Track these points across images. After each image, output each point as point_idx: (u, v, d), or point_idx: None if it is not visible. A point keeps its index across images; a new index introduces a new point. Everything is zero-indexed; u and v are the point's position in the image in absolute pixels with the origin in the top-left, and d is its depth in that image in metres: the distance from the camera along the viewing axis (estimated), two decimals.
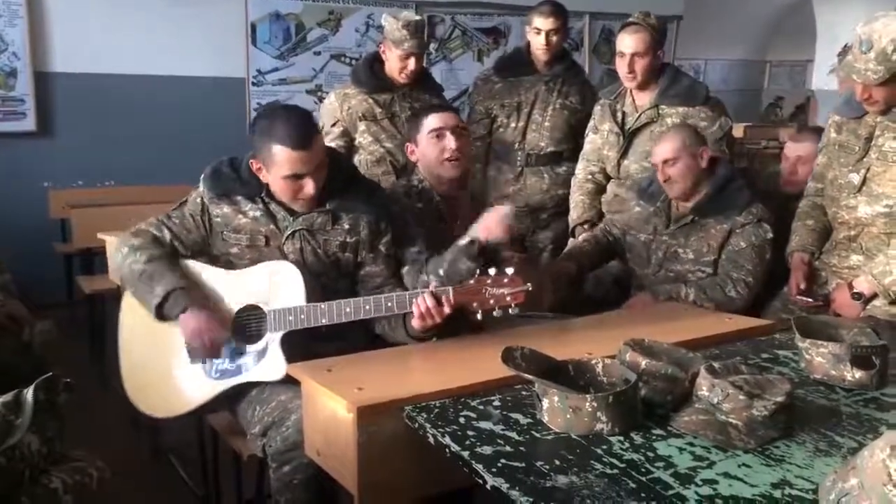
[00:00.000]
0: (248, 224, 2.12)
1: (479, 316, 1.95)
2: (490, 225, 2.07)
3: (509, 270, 1.93)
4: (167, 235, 2.13)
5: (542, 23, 3.37)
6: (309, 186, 2.02)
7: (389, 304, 1.95)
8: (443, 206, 2.43)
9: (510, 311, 1.94)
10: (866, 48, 2.26)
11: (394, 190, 2.45)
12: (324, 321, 1.96)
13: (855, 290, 2.42)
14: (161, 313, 2.03)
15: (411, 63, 3.16)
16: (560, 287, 2.80)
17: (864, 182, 2.45)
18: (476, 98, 3.59)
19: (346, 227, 2.16)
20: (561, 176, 3.50)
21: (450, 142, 2.36)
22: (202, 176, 2.16)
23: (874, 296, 2.41)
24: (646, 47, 2.97)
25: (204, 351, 2.02)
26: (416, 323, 1.96)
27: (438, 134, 2.37)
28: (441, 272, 2.05)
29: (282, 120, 1.98)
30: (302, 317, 1.96)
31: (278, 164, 1.99)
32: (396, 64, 3.17)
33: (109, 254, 3.39)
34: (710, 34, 8.38)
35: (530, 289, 1.94)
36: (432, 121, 2.40)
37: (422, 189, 2.41)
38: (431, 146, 2.38)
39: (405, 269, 2.22)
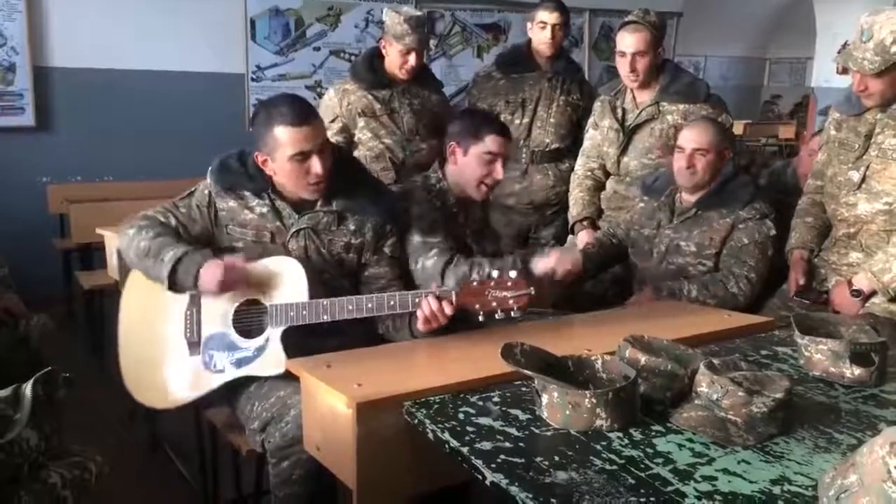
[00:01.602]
0: (253, 219, 2.12)
1: (480, 318, 1.95)
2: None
3: (513, 273, 1.93)
4: (173, 221, 2.12)
5: (549, 17, 3.37)
6: (316, 166, 2.02)
7: (392, 303, 1.95)
8: (457, 209, 2.42)
9: (512, 314, 1.94)
10: (866, 38, 2.27)
11: (414, 188, 2.42)
12: (325, 318, 1.96)
13: (854, 288, 2.42)
14: (174, 281, 2.00)
15: (412, 58, 3.15)
16: (561, 285, 2.80)
17: (863, 179, 2.45)
18: (478, 95, 3.57)
19: (352, 228, 2.16)
20: (565, 172, 3.50)
21: (498, 170, 2.35)
22: (210, 168, 2.15)
23: (873, 293, 2.41)
24: (647, 46, 2.97)
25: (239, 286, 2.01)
26: (421, 326, 1.96)
27: (492, 159, 2.34)
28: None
29: (279, 104, 2.04)
30: (303, 312, 1.96)
31: (283, 145, 2.00)
32: (397, 59, 3.16)
33: (108, 249, 3.40)
34: (710, 31, 8.38)
35: (533, 293, 1.93)
36: (495, 144, 2.34)
37: (439, 189, 2.40)
38: (479, 165, 2.34)
39: (431, 262, 2.22)
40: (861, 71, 2.32)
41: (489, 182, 2.36)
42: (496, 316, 1.94)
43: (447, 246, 2.26)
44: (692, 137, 2.66)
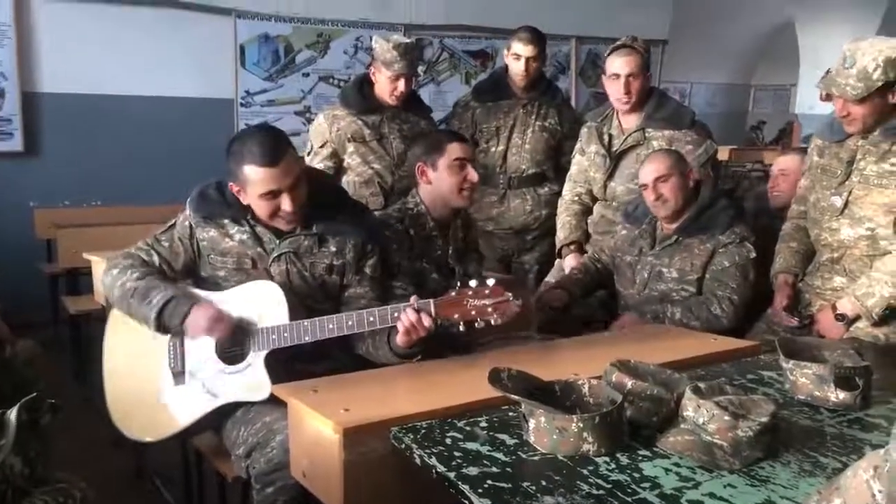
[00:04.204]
0: (234, 247, 2.12)
1: (461, 328, 1.95)
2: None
3: (490, 282, 1.94)
4: (156, 259, 2.12)
5: (523, 49, 3.40)
6: (286, 203, 2.01)
7: (371, 319, 1.95)
8: (436, 232, 2.43)
9: (492, 322, 1.94)
10: (849, 64, 2.31)
11: (386, 215, 2.45)
12: (307, 338, 1.96)
13: (838, 312, 2.44)
14: (161, 323, 2.01)
15: (401, 84, 3.18)
16: (548, 311, 2.81)
17: (846, 205, 2.48)
18: (458, 126, 3.55)
19: (333, 249, 2.16)
20: (543, 197, 3.53)
21: (471, 174, 2.38)
22: (188, 199, 2.16)
23: (857, 317, 2.43)
24: (639, 69, 3.01)
25: (224, 336, 2.02)
26: (400, 339, 1.96)
27: (461, 164, 2.38)
28: None
29: (250, 141, 2.00)
30: (285, 335, 1.96)
31: (252, 183, 2.00)
32: (386, 85, 3.19)
33: (95, 274, 3.39)
34: (696, 58, 8.49)
35: (511, 299, 1.94)
36: (458, 150, 2.39)
37: (416, 213, 2.42)
38: (452, 174, 2.37)
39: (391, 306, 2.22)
40: (844, 96, 2.35)
41: (467, 186, 2.38)
42: (476, 325, 1.94)
43: (406, 292, 2.26)
44: (649, 170, 2.70)
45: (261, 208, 2.04)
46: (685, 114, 3.10)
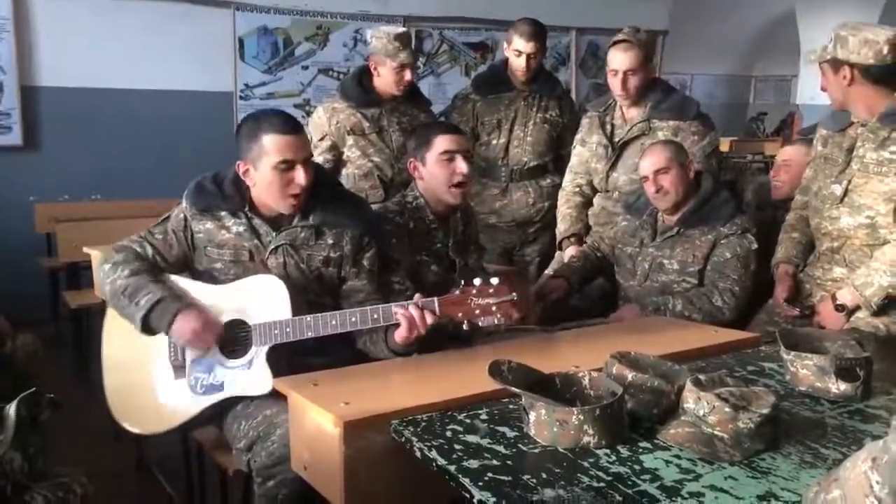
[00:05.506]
0: (231, 239, 2.12)
1: (465, 326, 1.94)
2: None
3: (494, 280, 1.94)
4: (149, 251, 2.12)
5: (524, 46, 3.38)
6: (299, 176, 2.02)
7: (375, 316, 1.95)
8: (435, 224, 2.42)
9: (496, 321, 1.93)
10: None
11: (385, 209, 2.44)
12: (310, 334, 1.95)
13: (838, 302, 2.44)
14: (147, 325, 2.00)
15: (408, 73, 3.18)
16: (547, 302, 2.81)
17: (845, 193, 2.47)
18: (458, 119, 3.55)
19: (330, 241, 2.16)
20: (545, 189, 3.52)
21: (460, 166, 2.34)
22: (185, 192, 2.16)
23: (857, 308, 2.43)
24: (638, 64, 2.98)
25: (205, 350, 2.01)
26: (399, 335, 1.96)
27: (450, 157, 2.34)
28: None
29: (268, 114, 2.09)
30: (287, 330, 1.96)
31: (269, 153, 2.00)
32: (392, 77, 3.17)
33: (95, 268, 3.38)
34: (697, 49, 8.47)
35: (516, 298, 1.94)
36: (445, 142, 2.35)
37: (416, 206, 2.41)
38: (441, 168, 2.34)
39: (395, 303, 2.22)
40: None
41: (457, 181, 2.35)
42: (480, 323, 1.94)
43: (404, 287, 2.25)
44: (649, 162, 2.70)
45: (271, 183, 2.03)
46: (690, 104, 3.10)
